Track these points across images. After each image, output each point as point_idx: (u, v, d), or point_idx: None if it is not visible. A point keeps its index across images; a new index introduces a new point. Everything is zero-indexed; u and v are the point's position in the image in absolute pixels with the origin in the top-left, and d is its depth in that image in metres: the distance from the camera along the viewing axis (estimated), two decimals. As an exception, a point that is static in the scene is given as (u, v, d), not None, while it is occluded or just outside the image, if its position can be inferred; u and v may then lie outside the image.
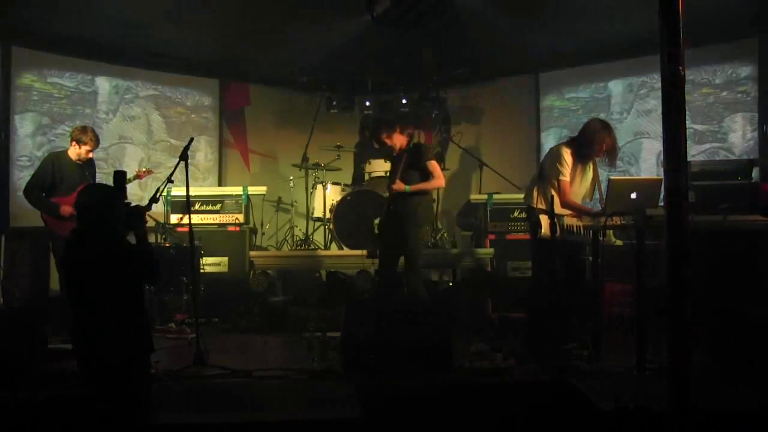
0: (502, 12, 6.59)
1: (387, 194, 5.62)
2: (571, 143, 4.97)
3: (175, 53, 7.93)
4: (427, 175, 5.35)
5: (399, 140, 5.49)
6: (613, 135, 4.87)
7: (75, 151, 5.75)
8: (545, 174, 4.99)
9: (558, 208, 4.71)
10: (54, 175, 5.70)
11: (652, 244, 4.34)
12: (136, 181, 6.31)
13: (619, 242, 5.03)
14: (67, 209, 5.52)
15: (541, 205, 4.93)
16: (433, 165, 5.36)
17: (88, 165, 5.89)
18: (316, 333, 4.63)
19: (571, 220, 4.87)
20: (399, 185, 5.28)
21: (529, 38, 7.36)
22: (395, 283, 5.49)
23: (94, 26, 6.94)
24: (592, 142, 4.83)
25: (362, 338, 4.18)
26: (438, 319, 4.37)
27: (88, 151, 5.76)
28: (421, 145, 5.64)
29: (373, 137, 5.61)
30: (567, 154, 4.89)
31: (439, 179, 5.39)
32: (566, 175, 4.86)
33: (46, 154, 5.87)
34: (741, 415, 3.15)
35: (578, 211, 4.88)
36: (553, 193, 4.86)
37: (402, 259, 5.44)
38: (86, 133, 5.73)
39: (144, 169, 6.42)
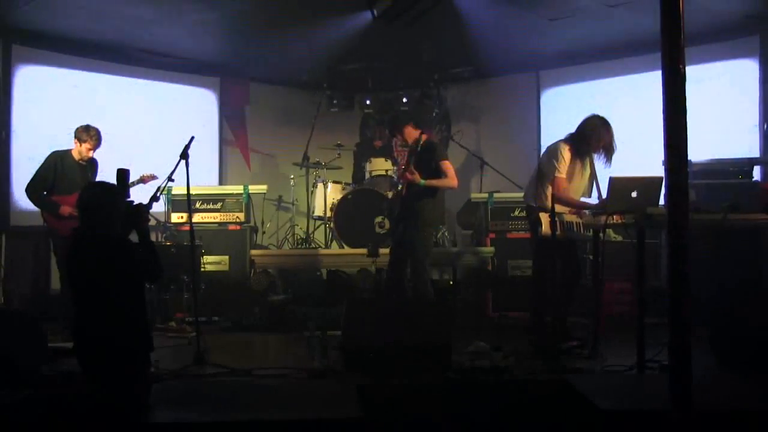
0: (502, 10, 6.57)
1: (391, 194, 5.60)
2: (570, 139, 4.96)
3: (175, 52, 7.92)
4: (438, 174, 5.31)
5: (413, 135, 5.47)
6: (611, 131, 4.87)
7: (77, 150, 5.76)
8: (543, 172, 4.99)
9: (557, 206, 4.70)
10: (56, 173, 5.70)
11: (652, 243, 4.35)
12: (139, 183, 6.30)
13: (618, 237, 5.02)
14: (66, 209, 5.52)
15: (541, 204, 4.92)
16: (447, 165, 5.31)
17: (90, 165, 5.89)
18: (316, 332, 4.64)
19: (570, 218, 4.87)
20: (416, 176, 5.23)
21: (529, 36, 7.35)
22: (402, 284, 5.48)
23: (94, 24, 6.93)
24: (590, 137, 4.83)
25: (363, 337, 4.18)
26: (438, 317, 4.37)
27: (89, 150, 5.76)
28: (436, 144, 5.59)
29: (391, 130, 5.59)
30: (565, 151, 4.89)
31: (452, 179, 5.32)
32: (561, 172, 4.85)
33: (48, 153, 5.86)
34: (741, 416, 3.15)
35: (572, 206, 4.86)
36: (552, 191, 4.85)
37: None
38: (88, 132, 5.74)
39: (149, 174, 6.39)
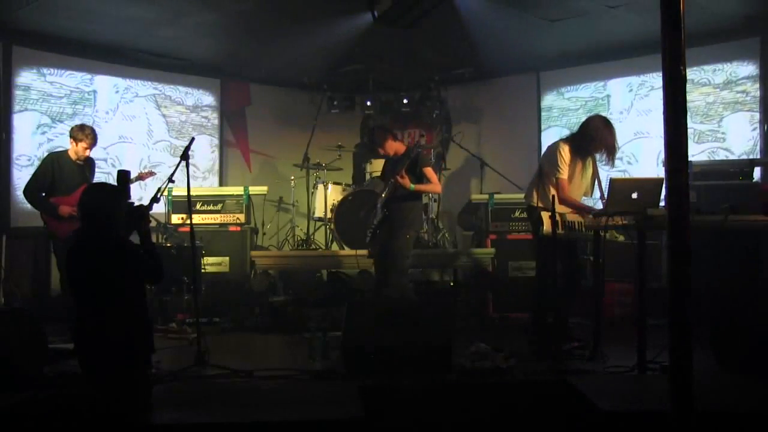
0: (503, 11, 6.58)
1: (383, 194, 5.66)
2: (570, 139, 4.95)
3: (175, 52, 7.92)
4: (422, 181, 5.52)
5: (394, 147, 5.67)
6: (614, 132, 4.86)
7: (73, 150, 5.74)
8: (544, 172, 4.98)
9: (558, 207, 4.69)
10: (54, 175, 5.68)
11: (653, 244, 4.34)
12: (138, 181, 6.32)
13: (621, 237, 5.02)
14: (65, 209, 5.52)
15: (542, 204, 4.92)
16: (430, 171, 5.54)
17: (88, 165, 5.88)
18: (317, 333, 4.63)
19: (573, 217, 4.86)
20: (405, 181, 5.35)
21: (529, 37, 7.36)
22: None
23: (95, 26, 6.94)
24: (593, 138, 4.81)
25: (363, 338, 4.19)
26: (439, 318, 4.37)
27: (85, 149, 5.73)
28: (420, 152, 5.73)
29: (378, 141, 5.75)
30: (565, 150, 4.87)
31: (437, 184, 5.70)
32: (564, 173, 4.84)
33: (46, 154, 5.86)
34: (742, 416, 3.15)
35: (576, 209, 4.87)
36: (553, 191, 4.84)
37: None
38: (83, 131, 5.72)
39: (146, 171, 6.42)
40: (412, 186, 5.38)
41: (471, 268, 6.77)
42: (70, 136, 5.75)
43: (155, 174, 6.60)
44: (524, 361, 4.39)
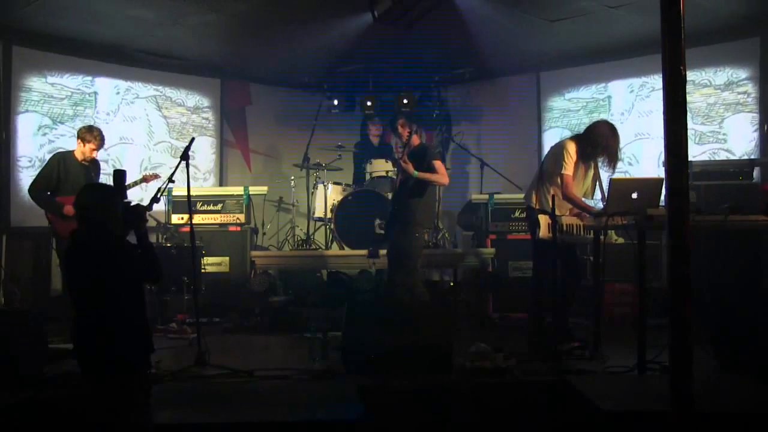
0: (503, 11, 6.58)
1: (390, 195, 5.66)
2: (576, 139, 4.94)
3: (175, 53, 7.92)
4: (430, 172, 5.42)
5: (414, 139, 5.58)
6: (618, 139, 4.86)
7: (80, 150, 5.76)
8: (547, 171, 4.96)
9: (558, 208, 4.69)
10: (59, 174, 5.70)
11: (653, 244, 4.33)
12: (142, 183, 6.32)
13: (620, 240, 5.02)
14: (70, 209, 5.52)
15: (540, 205, 4.92)
16: (438, 164, 5.43)
17: (93, 165, 5.89)
18: (317, 333, 4.63)
19: (570, 220, 4.86)
20: (409, 166, 5.31)
21: (529, 37, 7.35)
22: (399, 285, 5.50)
23: (95, 26, 6.94)
24: (598, 144, 4.80)
25: (363, 338, 4.18)
26: (439, 318, 4.37)
27: (93, 150, 5.76)
28: (428, 145, 5.70)
29: (392, 122, 5.70)
30: (572, 148, 4.85)
31: (444, 176, 5.47)
32: (569, 170, 4.83)
33: (49, 154, 5.87)
34: (742, 417, 3.15)
35: (579, 207, 4.85)
36: (554, 191, 4.84)
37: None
38: (92, 132, 5.75)
39: (151, 174, 6.41)
40: (416, 172, 5.31)
41: (471, 268, 6.76)
42: (78, 137, 5.77)
43: (159, 176, 6.58)
44: (524, 361, 4.39)
